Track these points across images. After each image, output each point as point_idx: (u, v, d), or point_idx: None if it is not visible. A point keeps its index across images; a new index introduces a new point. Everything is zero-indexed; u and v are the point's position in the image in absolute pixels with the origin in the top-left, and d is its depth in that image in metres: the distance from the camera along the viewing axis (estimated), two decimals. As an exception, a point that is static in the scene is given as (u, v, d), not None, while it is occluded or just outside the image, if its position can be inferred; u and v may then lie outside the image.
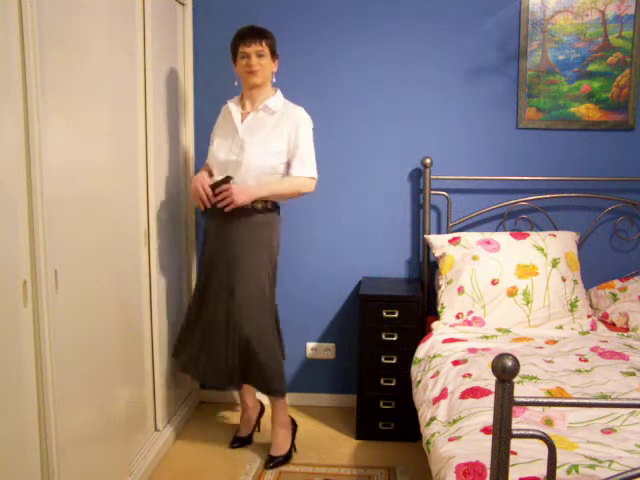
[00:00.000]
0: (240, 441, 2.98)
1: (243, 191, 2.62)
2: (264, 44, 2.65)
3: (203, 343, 2.76)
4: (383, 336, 3.01)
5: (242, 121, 2.72)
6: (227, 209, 2.62)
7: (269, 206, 2.72)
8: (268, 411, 2.98)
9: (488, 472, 1.57)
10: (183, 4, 3.14)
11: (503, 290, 2.86)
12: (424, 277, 3.26)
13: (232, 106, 2.75)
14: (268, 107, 2.71)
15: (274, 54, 2.72)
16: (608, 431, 1.85)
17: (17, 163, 1.73)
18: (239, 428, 3.04)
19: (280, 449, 2.84)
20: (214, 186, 2.66)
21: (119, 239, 2.38)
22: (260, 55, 2.65)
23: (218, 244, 2.73)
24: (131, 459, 2.58)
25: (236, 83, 2.78)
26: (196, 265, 3.34)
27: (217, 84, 3.24)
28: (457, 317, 2.86)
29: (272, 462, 2.80)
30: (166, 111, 2.91)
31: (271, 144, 2.67)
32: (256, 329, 2.69)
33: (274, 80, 2.77)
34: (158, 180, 2.81)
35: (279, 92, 2.77)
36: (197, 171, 3.27)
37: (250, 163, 2.64)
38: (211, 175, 2.79)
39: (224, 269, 2.70)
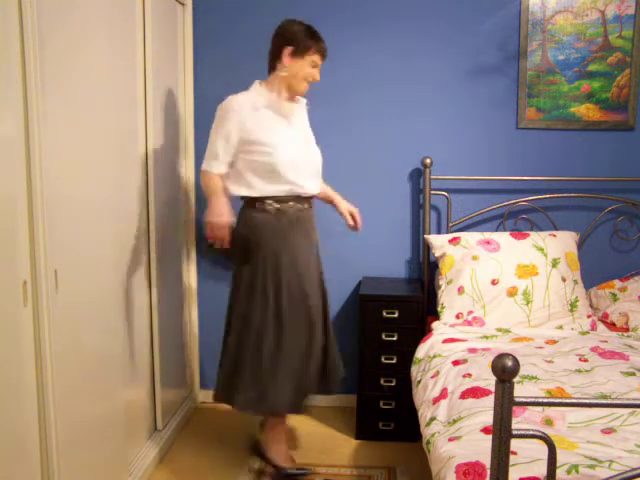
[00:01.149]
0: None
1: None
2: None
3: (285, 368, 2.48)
4: (383, 336, 3.01)
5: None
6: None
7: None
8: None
9: (488, 472, 1.57)
10: (183, 4, 3.14)
11: (503, 290, 2.86)
12: (424, 277, 3.26)
13: (278, 102, 2.51)
14: (300, 100, 2.65)
15: None
16: (608, 431, 1.85)
17: (17, 163, 1.73)
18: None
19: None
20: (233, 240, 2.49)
21: (119, 239, 2.38)
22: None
23: (302, 250, 2.55)
24: (131, 459, 2.58)
25: (284, 73, 2.49)
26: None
27: (217, 84, 3.23)
28: (457, 317, 2.86)
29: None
30: (166, 111, 2.91)
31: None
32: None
33: None
34: (158, 179, 2.81)
35: None
36: (198, 171, 3.27)
37: (318, 157, 2.63)
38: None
39: (313, 277, 2.58)
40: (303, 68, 2.49)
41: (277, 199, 2.48)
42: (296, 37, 2.48)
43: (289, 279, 2.48)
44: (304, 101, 2.67)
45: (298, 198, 2.52)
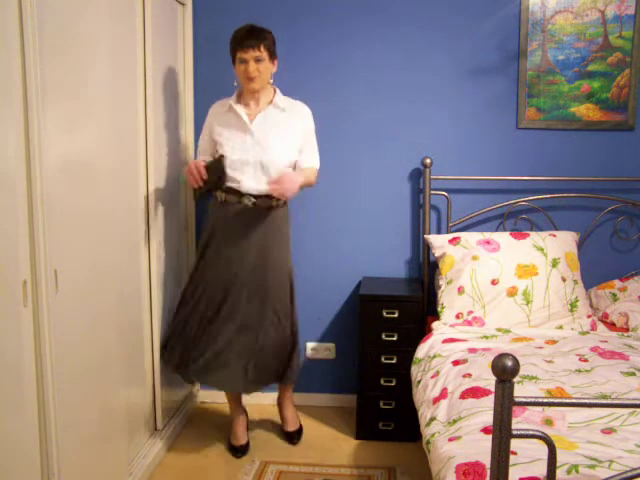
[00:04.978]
0: (242, 450, 2.92)
1: (292, 180, 2.62)
2: (262, 48, 2.60)
3: (212, 344, 2.76)
4: (383, 336, 3.01)
5: (251, 120, 2.71)
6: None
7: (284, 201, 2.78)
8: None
9: (488, 472, 1.57)
10: (183, 4, 3.14)
11: (503, 290, 2.86)
12: (424, 277, 3.25)
13: (236, 106, 2.72)
14: (278, 105, 2.72)
15: (273, 55, 2.68)
16: (608, 431, 1.85)
17: (17, 163, 1.73)
18: (235, 437, 2.95)
19: (297, 422, 3.09)
20: (208, 166, 2.67)
21: (119, 239, 2.38)
22: (258, 60, 2.61)
23: (234, 246, 2.73)
24: (131, 459, 2.58)
25: (235, 84, 2.76)
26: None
27: (217, 84, 3.23)
28: (457, 317, 2.86)
29: (298, 436, 3.05)
30: (166, 111, 2.91)
31: (287, 140, 2.71)
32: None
33: (272, 81, 2.76)
34: (158, 180, 2.81)
35: (278, 90, 2.78)
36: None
37: (272, 161, 2.67)
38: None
39: (250, 271, 2.74)
40: (239, 70, 2.66)
41: (226, 191, 2.73)
42: (230, 51, 2.68)
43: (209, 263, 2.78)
44: (284, 107, 2.74)
45: (238, 193, 2.70)
